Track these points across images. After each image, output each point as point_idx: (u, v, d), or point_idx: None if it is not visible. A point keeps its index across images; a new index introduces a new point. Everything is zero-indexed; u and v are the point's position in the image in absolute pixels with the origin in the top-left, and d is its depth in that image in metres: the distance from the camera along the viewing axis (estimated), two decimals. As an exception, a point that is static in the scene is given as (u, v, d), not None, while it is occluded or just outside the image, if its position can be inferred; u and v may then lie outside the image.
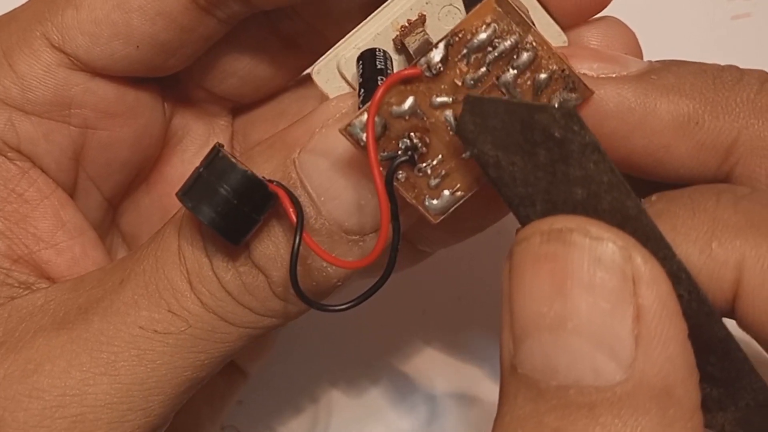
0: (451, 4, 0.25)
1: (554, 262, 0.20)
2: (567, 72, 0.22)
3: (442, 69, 0.22)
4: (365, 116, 0.22)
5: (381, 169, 0.22)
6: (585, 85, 0.22)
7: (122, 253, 0.33)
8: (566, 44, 0.25)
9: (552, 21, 0.25)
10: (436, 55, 0.22)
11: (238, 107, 0.33)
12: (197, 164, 0.26)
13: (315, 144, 0.24)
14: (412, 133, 0.22)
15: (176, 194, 0.23)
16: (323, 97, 0.25)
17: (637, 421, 0.19)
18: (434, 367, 0.39)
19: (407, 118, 0.22)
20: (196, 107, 0.32)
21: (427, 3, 0.24)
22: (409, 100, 0.22)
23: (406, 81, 0.22)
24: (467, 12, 0.24)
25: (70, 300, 0.26)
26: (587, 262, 0.20)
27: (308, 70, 0.26)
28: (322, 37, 0.31)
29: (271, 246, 0.24)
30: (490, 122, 0.21)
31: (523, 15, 0.22)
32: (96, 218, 0.31)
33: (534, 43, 0.22)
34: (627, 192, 0.21)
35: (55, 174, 0.29)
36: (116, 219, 0.33)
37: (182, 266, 0.24)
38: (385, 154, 0.22)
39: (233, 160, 0.23)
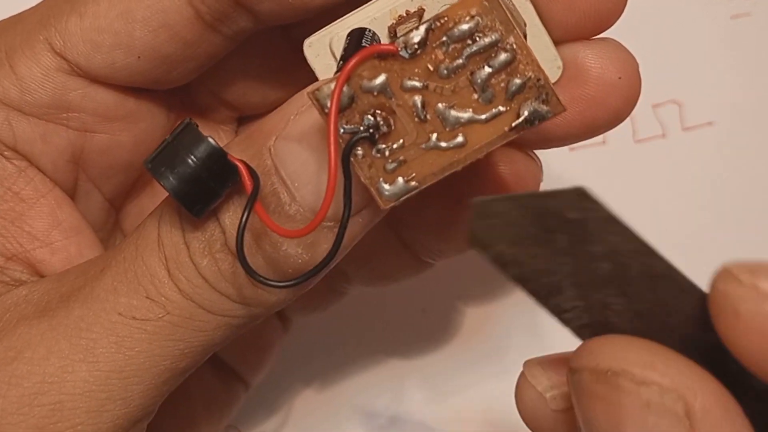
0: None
1: (607, 403, 0.20)
2: (542, 83, 0.22)
3: (418, 51, 0.22)
4: (334, 84, 0.22)
5: (339, 141, 0.22)
6: (558, 99, 0.22)
7: None
8: (561, 69, 0.26)
9: (550, 43, 0.25)
10: (416, 36, 0.22)
11: (244, 117, 0.34)
12: None
13: (289, 130, 0.24)
14: (377, 111, 0.22)
15: (143, 160, 0.24)
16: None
17: None
18: (434, 366, 0.39)
19: (375, 94, 0.22)
20: (202, 112, 0.32)
21: None
22: (381, 77, 0.22)
23: (381, 56, 0.22)
24: None
25: (53, 289, 0.26)
26: (638, 408, 0.20)
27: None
28: None
29: (247, 233, 0.24)
30: (500, 221, 0.21)
31: (510, 17, 0.22)
32: (98, 219, 0.31)
33: (514, 46, 0.22)
34: (652, 252, 0.20)
35: (52, 174, 0.29)
36: (120, 221, 0.33)
37: (161, 253, 0.25)
38: (348, 127, 0.22)
39: (200, 131, 0.23)
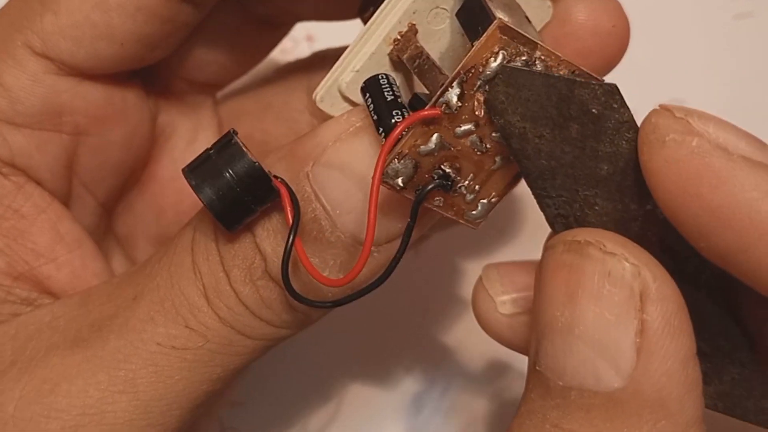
0: (437, 6, 0.26)
1: (570, 272, 0.22)
2: (578, 72, 0.24)
3: (460, 105, 0.23)
4: (395, 162, 0.23)
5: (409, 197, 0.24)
6: (596, 78, 0.24)
7: (118, 257, 0.34)
8: (551, 7, 0.27)
9: None
10: (453, 95, 0.23)
11: (222, 99, 0.35)
12: (187, 162, 0.27)
13: (329, 158, 0.25)
14: (442, 165, 0.24)
15: (182, 169, 0.24)
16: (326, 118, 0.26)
17: (629, 428, 0.21)
18: (436, 368, 0.39)
19: (436, 153, 0.24)
20: (180, 102, 0.33)
21: (414, 13, 0.25)
22: (434, 138, 0.24)
23: (428, 121, 0.23)
24: (464, 30, 0.25)
25: (80, 316, 0.27)
26: (598, 274, 0.22)
27: (313, 94, 0.26)
28: (292, 14, 0.32)
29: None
30: (523, 94, 0.23)
31: (525, 34, 0.23)
32: (91, 224, 0.32)
33: (542, 56, 0.23)
34: None
35: (50, 185, 0.29)
36: (110, 222, 0.33)
37: (198, 281, 0.25)
38: (421, 189, 0.24)
39: (244, 148, 0.24)
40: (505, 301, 0.26)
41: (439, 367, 0.39)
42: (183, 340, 0.25)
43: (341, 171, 0.24)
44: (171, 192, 0.33)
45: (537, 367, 0.22)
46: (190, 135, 0.34)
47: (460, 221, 0.25)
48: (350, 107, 0.26)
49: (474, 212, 0.25)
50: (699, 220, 0.21)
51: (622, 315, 0.21)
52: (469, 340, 0.39)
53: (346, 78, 0.26)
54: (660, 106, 0.22)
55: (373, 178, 0.23)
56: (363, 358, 0.39)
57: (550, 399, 0.22)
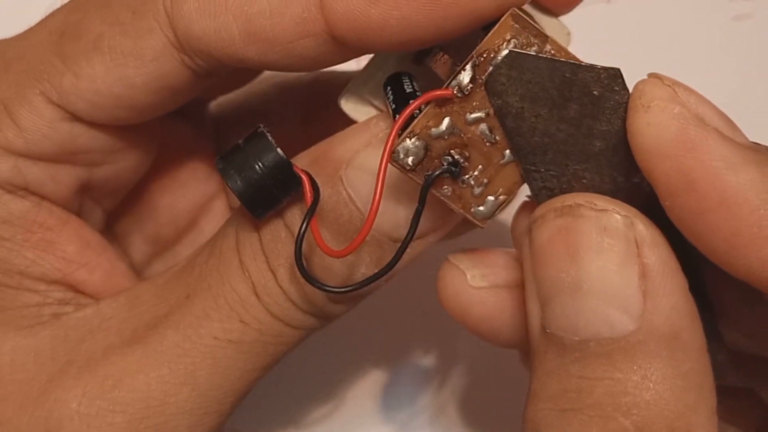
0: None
1: (567, 234, 0.24)
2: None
3: (472, 88, 0.25)
4: (407, 141, 0.25)
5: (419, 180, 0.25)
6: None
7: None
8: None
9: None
10: (465, 77, 0.24)
11: (221, 108, 0.36)
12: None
13: (361, 162, 0.26)
14: (452, 151, 0.25)
15: (216, 158, 0.26)
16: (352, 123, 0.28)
17: (650, 363, 0.23)
18: (435, 368, 0.40)
19: (446, 137, 0.25)
20: (178, 111, 0.34)
21: None
22: (446, 121, 0.25)
23: (440, 103, 0.25)
24: (482, 30, 0.26)
25: (133, 317, 0.28)
26: (595, 230, 0.24)
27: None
28: None
29: (326, 259, 0.27)
30: (525, 76, 0.24)
31: (538, 26, 0.24)
32: (97, 229, 0.33)
33: (553, 51, 0.25)
34: None
35: (63, 205, 0.30)
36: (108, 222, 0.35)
37: (248, 280, 0.27)
38: (430, 173, 0.25)
39: (271, 140, 0.26)
40: (475, 275, 0.28)
41: (438, 367, 0.40)
42: (238, 334, 0.27)
43: (374, 175, 0.25)
44: (167, 194, 0.35)
45: (547, 330, 0.24)
46: (189, 140, 0.35)
47: (467, 215, 0.26)
48: (374, 111, 0.27)
49: (481, 208, 0.26)
50: (669, 179, 0.23)
51: (624, 263, 0.23)
52: (469, 341, 0.39)
53: (370, 81, 0.27)
54: (649, 74, 0.24)
55: (383, 153, 0.24)
56: (361, 358, 0.40)
57: (569, 355, 0.23)
